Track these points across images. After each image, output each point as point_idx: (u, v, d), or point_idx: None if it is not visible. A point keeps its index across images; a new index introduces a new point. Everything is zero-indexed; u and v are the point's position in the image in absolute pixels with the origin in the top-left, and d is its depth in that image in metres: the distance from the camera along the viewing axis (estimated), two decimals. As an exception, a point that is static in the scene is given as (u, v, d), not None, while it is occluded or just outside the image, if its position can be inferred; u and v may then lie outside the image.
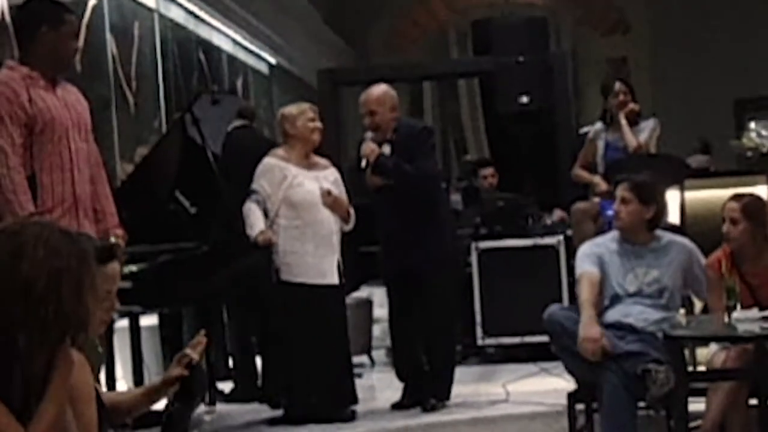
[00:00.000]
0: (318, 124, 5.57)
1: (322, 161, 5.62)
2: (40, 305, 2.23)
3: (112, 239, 4.19)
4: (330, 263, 5.37)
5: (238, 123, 6.27)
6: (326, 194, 5.38)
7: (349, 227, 5.53)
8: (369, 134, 5.53)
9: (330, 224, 5.40)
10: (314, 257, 5.34)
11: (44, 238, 2.27)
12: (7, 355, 2.28)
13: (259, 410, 5.66)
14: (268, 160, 5.45)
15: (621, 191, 4.68)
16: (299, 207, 5.37)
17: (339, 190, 5.49)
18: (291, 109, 5.61)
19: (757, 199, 4.66)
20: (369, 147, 5.47)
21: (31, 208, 3.88)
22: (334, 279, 5.39)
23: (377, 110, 5.49)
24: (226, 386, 6.25)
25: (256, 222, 5.31)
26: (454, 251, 6.01)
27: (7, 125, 3.90)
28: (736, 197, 4.62)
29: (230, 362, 6.89)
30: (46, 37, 3.99)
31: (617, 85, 6.52)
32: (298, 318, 5.27)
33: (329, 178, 5.52)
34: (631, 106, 6.44)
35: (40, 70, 4.00)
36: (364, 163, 5.47)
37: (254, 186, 5.39)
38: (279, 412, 5.43)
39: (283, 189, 5.37)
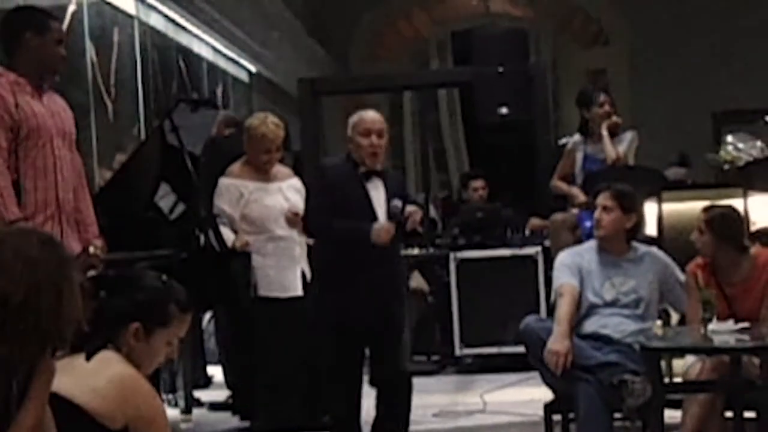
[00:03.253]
0: (272, 156, 5.46)
1: (283, 170, 5.60)
2: (18, 319, 2.22)
3: (91, 249, 4.20)
4: (293, 275, 5.38)
5: (228, 131, 6.26)
6: (292, 216, 5.34)
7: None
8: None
9: (291, 236, 5.40)
10: (275, 270, 5.36)
11: (23, 250, 2.25)
12: (19, 365, 2.28)
13: (234, 418, 5.64)
14: (222, 181, 5.49)
15: (603, 199, 4.69)
16: (257, 222, 5.40)
17: (302, 199, 5.37)
18: (253, 126, 5.52)
19: (728, 212, 4.67)
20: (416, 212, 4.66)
21: (17, 212, 3.90)
22: (297, 291, 5.39)
23: (383, 135, 4.64)
24: (202, 394, 6.23)
25: (228, 234, 5.35)
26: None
27: None
28: (708, 208, 4.65)
29: (208, 370, 6.90)
30: (31, 44, 4.04)
31: (602, 96, 6.54)
32: (263, 330, 5.28)
33: (292, 188, 5.49)
34: (615, 118, 6.47)
35: (27, 76, 4.05)
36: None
37: (215, 210, 5.43)
38: (247, 424, 5.42)
39: (241, 206, 5.41)
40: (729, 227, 4.57)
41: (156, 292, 2.81)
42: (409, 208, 4.57)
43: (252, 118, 5.72)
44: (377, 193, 4.60)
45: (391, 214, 4.59)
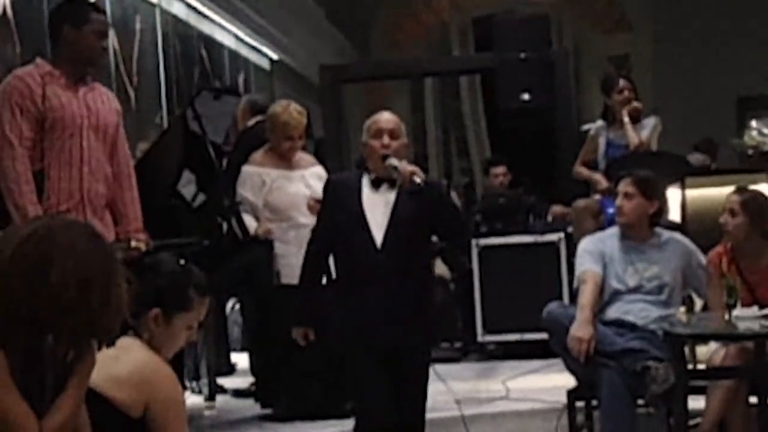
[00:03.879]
0: (295, 143, 5.44)
1: (306, 158, 5.60)
2: (68, 313, 2.25)
3: (133, 243, 4.29)
4: None
5: (254, 120, 6.27)
6: (314, 203, 5.33)
7: None
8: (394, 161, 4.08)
9: (313, 224, 5.39)
10: (298, 258, 5.33)
11: (74, 244, 2.28)
12: (36, 357, 2.31)
13: (257, 405, 5.66)
14: (246, 169, 5.50)
15: (624, 186, 4.68)
16: (280, 211, 5.40)
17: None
18: (276, 113, 5.51)
19: (759, 195, 4.66)
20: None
21: (33, 199, 3.98)
22: None
23: (398, 137, 4.13)
24: (226, 381, 6.26)
25: (250, 222, 5.37)
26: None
27: (17, 118, 4.02)
28: (739, 190, 4.64)
29: (231, 357, 6.92)
30: (68, 37, 4.13)
31: (621, 82, 6.51)
32: (285, 318, 5.26)
33: (315, 175, 5.50)
34: (635, 104, 6.44)
35: (64, 68, 4.12)
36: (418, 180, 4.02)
37: (237, 197, 5.44)
38: (269, 411, 5.44)
39: (264, 194, 5.41)
40: (762, 210, 4.55)
41: (175, 277, 2.83)
42: (402, 165, 4.01)
43: (275, 105, 5.73)
44: (384, 202, 4.04)
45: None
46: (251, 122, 6.36)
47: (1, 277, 2.23)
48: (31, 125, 4.03)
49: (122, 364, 2.64)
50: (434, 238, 4.41)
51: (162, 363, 2.72)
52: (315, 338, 4.17)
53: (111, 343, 2.60)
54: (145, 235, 4.40)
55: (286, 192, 5.42)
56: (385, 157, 4.05)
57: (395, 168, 4.02)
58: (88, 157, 4.13)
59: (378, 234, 4.02)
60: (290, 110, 5.51)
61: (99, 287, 2.28)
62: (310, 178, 5.49)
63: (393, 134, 4.10)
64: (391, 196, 4.07)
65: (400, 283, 4.02)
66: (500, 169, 8.31)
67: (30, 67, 4.19)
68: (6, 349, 2.24)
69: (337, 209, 4.12)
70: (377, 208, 4.06)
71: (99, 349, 2.38)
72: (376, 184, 4.10)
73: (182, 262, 2.89)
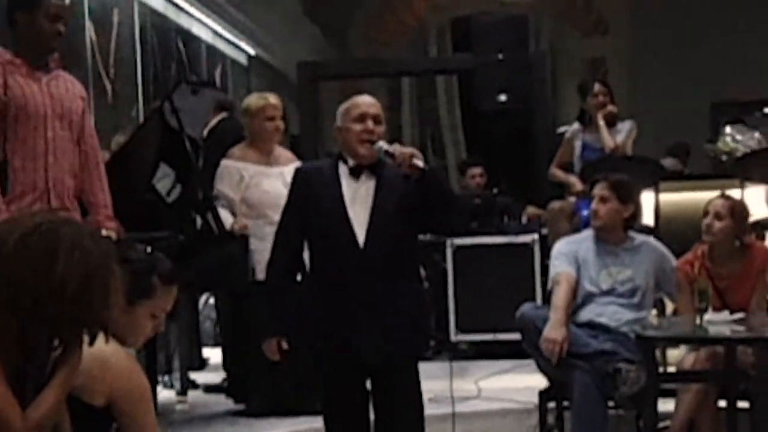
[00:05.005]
0: (278, 123, 5.41)
1: (285, 154, 5.56)
2: (70, 305, 2.29)
3: (104, 231, 4.22)
4: None
5: (222, 115, 6.25)
6: None
7: None
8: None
9: None
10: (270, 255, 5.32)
11: (78, 240, 2.32)
12: (20, 348, 2.33)
13: (229, 401, 5.66)
14: (224, 163, 5.46)
15: (600, 190, 4.70)
16: (256, 207, 5.37)
17: None
18: (251, 102, 5.52)
19: (742, 202, 4.75)
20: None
21: None
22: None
23: (381, 122, 3.75)
24: (198, 376, 6.25)
25: (227, 217, 5.34)
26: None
27: None
28: (724, 196, 4.70)
29: (203, 352, 6.91)
30: (21, 22, 4.03)
31: (596, 87, 6.55)
32: (259, 314, 5.24)
33: (293, 173, 5.47)
34: (610, 108, 6.48)
35: (24, 56, 4.03)
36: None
37: (214, 191, 5.40)
38: (242, 407, 5.43)
39: (241, 190, 5.39)
40: (745, 217, 4.63)
41: (138, 264, 2.81)
42: (397, 148, 3.63)
43: (247, 98, 5.71)
44: (364, 193, 3.67)
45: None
46: (214, 120, 6.34)
47: (4, 268, 2.25)
48: None
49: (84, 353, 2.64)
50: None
51: (121, 352, 2.71)
52: (288, 346, 3.78)
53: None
54: (116, 224, 4.33)
55: (264, 189, 5.39)
56: (371, 143, 3.65)
57: (388, 153, 3.60)
58: (53, 147, 4.05)
59: (360, 230, 3.62)
60: (266, 96, 5.52)
61: (100, 283, 2.32)
62: (288, 176, 5.46)
63: (377, 119, 3.71)
64: (371, 185, 3.67)
65: (385, 285, 3.60)
66: (477, 170, 8.34)
67: None
68: None
69: (311, 203, 3.70)
70: (358, 200, 3.66)
71: (91, 344, 2.39)
72: (355, 173, 3.69)
73: (149, 250, 2.87)
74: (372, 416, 3.75)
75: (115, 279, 2.39)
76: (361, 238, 3.63)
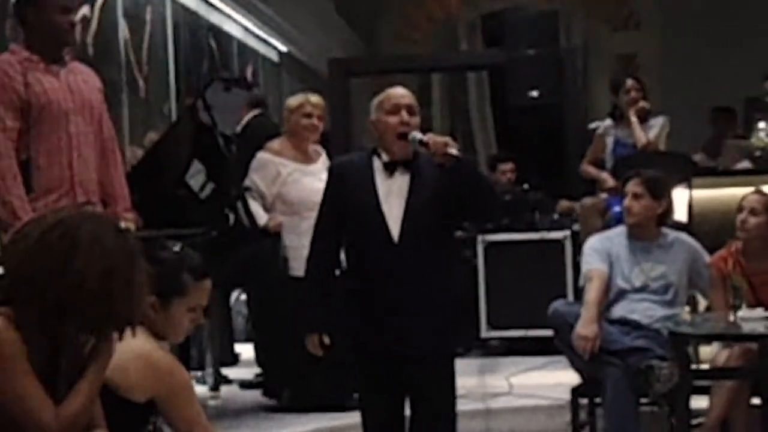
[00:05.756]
0: (314, 121, 5.40)
1: (317, 150, 5.52)
2: (90, 301, 2.31)
3: (122, 224, 4.20)
4: None
5: (254, 112, 6.27)
6: None
7: None
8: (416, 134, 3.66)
9: None
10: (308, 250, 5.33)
11: (100, 236, 2.34)
12: (53, 344, 2.35)
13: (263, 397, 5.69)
14: (261, 156, 5.42)
15: (633, 186, 4.69)
16: (293, 204, 5.34)
17: None
18: (292, 101, 5.54)
19: None
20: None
21: (20, 194, 3.86)
22: None
23: (415, 113, 3.72)
24: (230, 372, 6.28)
25: (258, 210, 5.32)
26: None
27: None
28: (759, 191, 4.67)
29: (235, 348, 6.95)
30: (30, 17, 3.98)
31: (629, 82, 6.52)
32: (293, 310, 5.25)
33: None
34: (642, 104, 6.44)
35: (39, 51, 3.97)
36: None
37: (247, 182, 5.37)
38: (275, 402, 5.45)
39: (277, 185, 5.35)
40: None
41: (168, 263, 2.83)
42: (431, 137, 3.59)
43: (293, 97, 5.71)
44: (398, 189, 3.64)
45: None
46: (249, 116, 6.37)
47: (26, 264, 2.28)
48: (15, 115, 3.88)
49: (122, 351, 2.66)
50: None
51: (159, 349, 2.74)
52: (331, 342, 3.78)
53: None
54: (134, 215, 4.28)
55: (301, 186, 5.34)
56: (404, 135, 3.62)
57: (422, 142, 3.56)
58: (77, 143, 4.00)
59: (394, 226, 3.60)
60: (306, 95, 5.52)
61: (121, 278, 2.33)
62: (323, 173, 5.47)
63: (411, 110, 3.67)
64: (406, 180, 3.64)
65: (421, 280, 3.59)
66: (508, 166, 8.32)
67: (6, 54, 4.02)
68: (25, 335, 2.28)
69: (346, 198, 3.69)
70: (392, 196, 3.63)
71: (120, 338, 2.41)
72: (390, 169, 3.67)
73: (177, 247, 2.89)
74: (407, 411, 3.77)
75: (139, 273, 2.39)
76: (395, 233, 3.62)
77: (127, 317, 2.38)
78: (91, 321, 2.34)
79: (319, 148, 5.58)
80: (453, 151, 3.53)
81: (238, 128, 6.27)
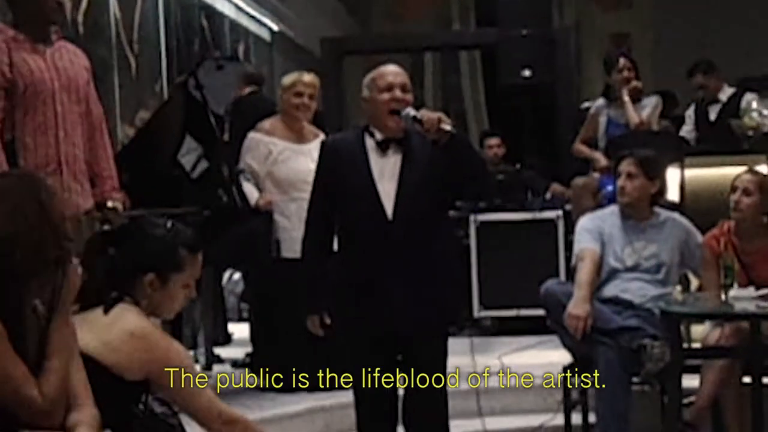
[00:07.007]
0: (304, 100, 5.38)
1: (311, 130, 5.50)
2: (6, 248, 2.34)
3: (109, 203, 4.20)
4: None
5: (248, 89, 6.24)
6: None
7: None
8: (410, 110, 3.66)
9: None
10: (298, 232, 5.32)
11: (5, 189, 2.38)
12: (18, 320, 2.35)
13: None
14: (253, 136, 5.41)
15: (626, 166, 4.68)
16: (283, 183, 5.33)
17: None
18: (285, 79, 5.51)
19: None
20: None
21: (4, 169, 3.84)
22: None
23: (408, 90, 3.73)
24: (222, 351, 6.28)
25: (251, 191, 5.31)
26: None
27: None
28: (752, 171, 4.67)
29: (228, 328, 6.95)
30: None
31: (621, 61, 6.51)
32: (283, 291, 5.25)
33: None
34: (635, 83, 6.44)
35: (26, 31, 3.97)
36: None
37: (241, 164, 5.37)
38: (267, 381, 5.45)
39: (268, 164, 5.34)
40: None
41: (163, 240, 2.83)
42: (424, 113, 3.58)
43: (287, 76, 5.69)
44: (392, 167, 3.65)
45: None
46: (246, 91, 6.34)
47: None
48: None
49: (114, 330, 2.67)
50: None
51: (153, 329, 2.74)
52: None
53: (107, 310, 2.64)
54: (122, 194, 4.28)
55: (292, 165, 5.32)
56: (397, 111, 3.61)
57: (415, 119, 3.55)
58: (62, 122, 4.00)
59: (388, 203, 3.62)
60: (300, 73, 5.49)
61: (29, 209, 2.36)
62: (315, 152, 5.45)
63: (404, 88, 3.67)
64: (398, 158, 3.65)
65: (416, 257, 3.60)
66: (494, 140, 8.28)
67: None
68: None
69: (338, 177, 3.70)
70: (385, 174, 3.65)
71: (64, 275, 2.41)
72: (383, 147, 3.67)
73: (168, 224, 2.89)
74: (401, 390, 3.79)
75: (49, 200, 2.40)
76: (389, 211, 3.64)
77: (54, 239, 2.37)
78: (20, 268, 2.33)
79: (317, 129, 5.57)
80: (447, 126, 3.53)
81: (232, 104, 6.24)
